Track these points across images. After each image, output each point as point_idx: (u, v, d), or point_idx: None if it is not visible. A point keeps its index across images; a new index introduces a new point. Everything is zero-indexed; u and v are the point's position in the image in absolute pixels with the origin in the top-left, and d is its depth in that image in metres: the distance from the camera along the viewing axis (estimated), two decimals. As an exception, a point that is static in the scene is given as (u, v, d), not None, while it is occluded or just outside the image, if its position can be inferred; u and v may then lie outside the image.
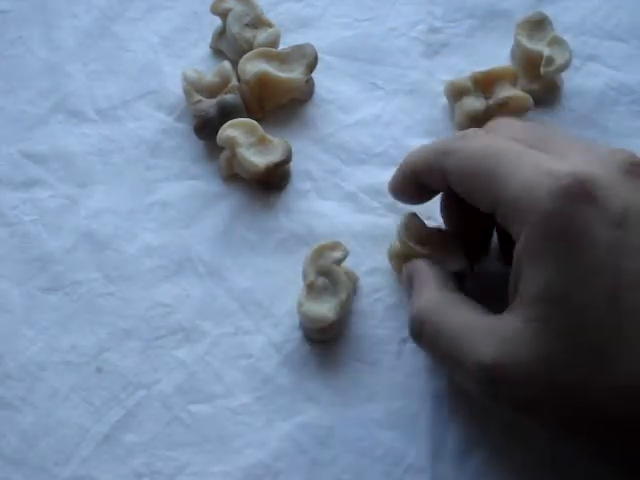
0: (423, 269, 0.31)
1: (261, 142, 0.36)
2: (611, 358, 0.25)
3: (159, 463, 0.31)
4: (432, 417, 0.31)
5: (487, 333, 0.27)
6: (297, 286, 0.33)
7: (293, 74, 0.37)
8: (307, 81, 0.38)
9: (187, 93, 0.37)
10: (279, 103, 0.38)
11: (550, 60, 0.36)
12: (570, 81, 0.38)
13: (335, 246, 0.33)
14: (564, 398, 0.26)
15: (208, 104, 0.37)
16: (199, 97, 0.37)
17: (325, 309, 0.32)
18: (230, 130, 0.35)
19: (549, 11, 0.38)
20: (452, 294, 0.30)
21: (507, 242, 0.31)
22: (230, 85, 0.37)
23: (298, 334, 0.33)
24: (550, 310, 0.26)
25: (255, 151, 0.35)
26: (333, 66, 0.39)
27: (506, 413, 0.30)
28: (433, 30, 0.40)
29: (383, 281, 0.34)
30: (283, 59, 0.37)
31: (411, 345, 0.32)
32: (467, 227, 0.32)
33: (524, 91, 0.37)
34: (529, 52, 0.37)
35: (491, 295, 0.29)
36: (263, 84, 0.37)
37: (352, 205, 0.36)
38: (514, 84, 0.37)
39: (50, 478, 0.31)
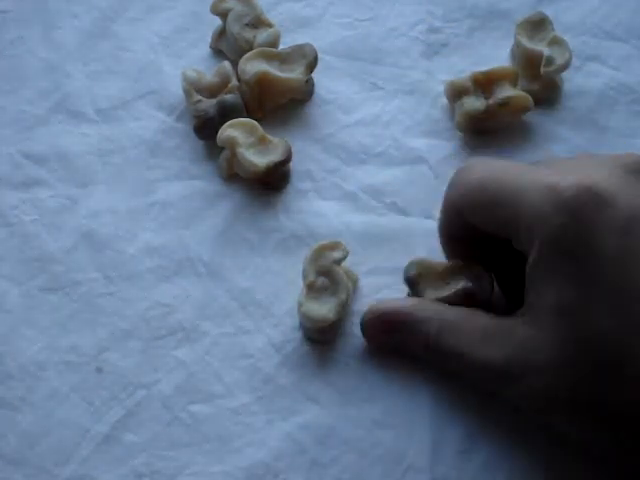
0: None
1: (261, 142, 0.36)
2: (624, 368, 0.25)
3: (159, 463, 0.31)
4: (432, 417, 0.31)
5: (502, 335, 0.28)
6: (297, 286, 0.33)
7: (293, 74, 0.37)
8: (307, 81, 0.38)
9: (187, 93, 0.37)
10: (279, 103, 0.38)
11: (550, 60, 0.36)
12: (570, 81, 0.38)
13: (335, 246, 0.33)
14: (579, 413, 0.26)
15: (208, 104, 0.37)
16: (199, 97, 0.37)
17: (325, 309, 0.32)
18: (230, 130, 0.35)
19: (549, 11, 0.38)
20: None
21: (506, 282, 0.32)
22: (230, 85, 0.37)
23: (298, 334, 0.33)
24: (561, 322, 0.26)
25: (255, 151, 0.35)
26: (333, 66, 0.39)
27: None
28: (433, 30, 0.40)
29: (383, 281, 0.34)
30: (283, 59, 0.37)
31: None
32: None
33: (524, 91, 0.37)
34: (529, 52, 0.37)
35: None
36: (263, 84, 0.37)
37: (352, 205, 0.36)
38: (514, 84, 0.37)
39: (50, 478, 0.31)
